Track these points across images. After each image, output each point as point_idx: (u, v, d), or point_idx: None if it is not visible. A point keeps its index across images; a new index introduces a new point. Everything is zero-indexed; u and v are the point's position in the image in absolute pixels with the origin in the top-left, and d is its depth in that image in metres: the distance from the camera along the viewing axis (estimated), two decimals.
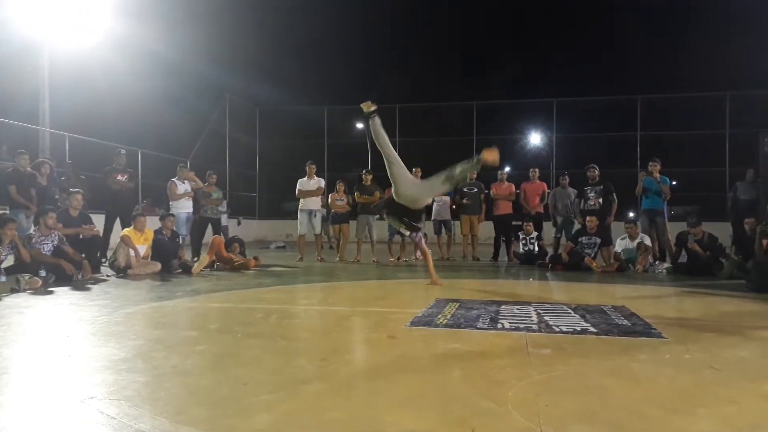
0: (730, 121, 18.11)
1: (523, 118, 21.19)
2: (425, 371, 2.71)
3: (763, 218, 7.29)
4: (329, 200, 10.16)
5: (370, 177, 10.22)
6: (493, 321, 3.92)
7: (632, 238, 8.46)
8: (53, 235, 6.71)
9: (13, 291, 5.45)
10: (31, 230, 7.07)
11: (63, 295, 5.42)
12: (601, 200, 8.99)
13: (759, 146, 9.83)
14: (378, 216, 10.65)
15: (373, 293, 5.67)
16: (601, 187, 9.08)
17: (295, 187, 9.90)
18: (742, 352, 3.15)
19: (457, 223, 10.46)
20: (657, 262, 8.34)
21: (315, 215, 9.83)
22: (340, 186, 10.14)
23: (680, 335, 3.55)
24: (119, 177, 8.94)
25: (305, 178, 9.88)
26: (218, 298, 5.32)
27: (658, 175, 8.85)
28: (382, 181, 10.93)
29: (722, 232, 9.02)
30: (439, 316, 4.12)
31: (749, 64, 21.73)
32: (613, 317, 4.10)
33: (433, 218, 10.36)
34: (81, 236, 7.31)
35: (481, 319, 3.97)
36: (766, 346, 3.34)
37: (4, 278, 5.89)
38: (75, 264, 6.53)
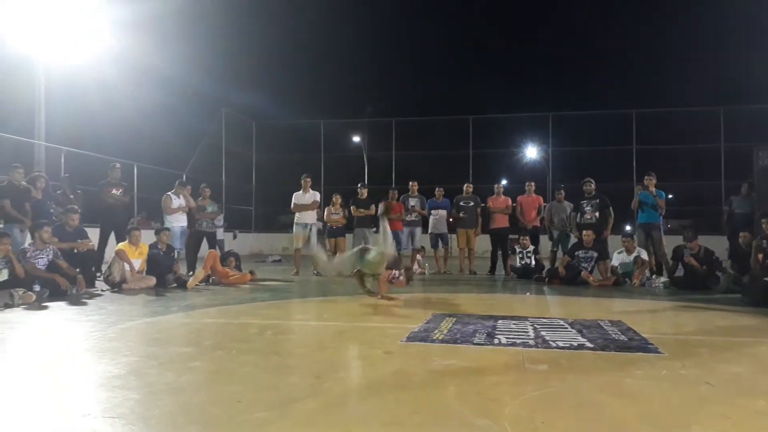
0: (724, 135, 18.22)
1: (518, 131, 21.30)
2: (420, 388, 2.69)
3: (758, 232, 7.30)
4: (325, 214, 10.16)
5: (365, 191, 10.23)
6: (490, 336, 3.91)
7: (629, 251, 8.47)
8: (48, 249, 6.69)
9: (7, 306, 5.41)
10: (26, 244, 7.03)
11: (57, 310, 5.39)
12: (597, 214, 9.01)
13: (753, 160, 9.87)
14: (375, 229, 10.68)
15: (370, 308, 5.65)
16: (598, 200, 9.10)
17: (291, 201, 9.90)
18: (737, 367, 3.15)
19: (454, 236, 10.46)
20: (654, 276, 8.34)
21: (311, 229, 9.82)
22: (337, 199, 10.14)
23: (676, 350, 3.55)
24: (114, 191, 8.91)
25: (300, 192, 9.88)
26: (213, 313, 5.29)
27: (654, 189, 8.88)
28: (378, 194, 10.98)
29: (718, 246, 9.03)
30: (436, 331, 4.10)
31: (743, 79, 21.94)
32: (610, 332, 4.09)
33: (429, 232, 10.36)
34: (76, 250, 7.28)
35: (477, 335, 3.96)
36: (761, 362, 3.33)
37: None
38: (70, 278, 6.50)
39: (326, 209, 10.15)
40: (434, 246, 10.37)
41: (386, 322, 4.85)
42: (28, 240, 7.41)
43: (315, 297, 6.76)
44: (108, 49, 14.51)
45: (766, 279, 5.90)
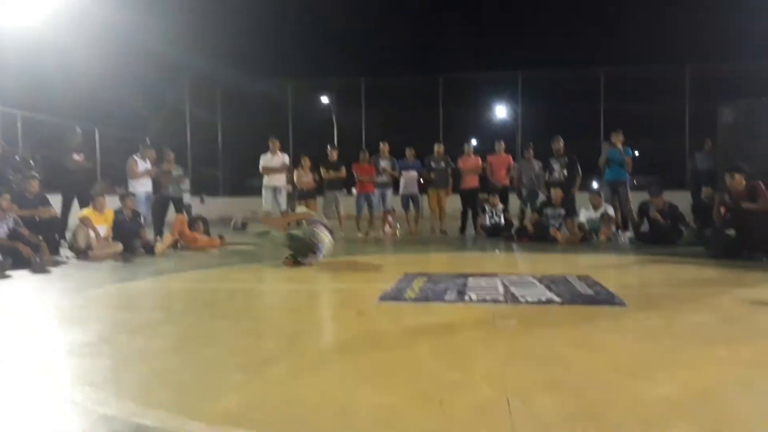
0: (690, 93, 18.50)
1: (488, 91, 21.22)
2: (394, 346, 2.72)
3: (720, 187, 7.48)
4: (295, 177, 10.04)
5: (335, 152, 10.12)
6: (461, 294, 3.95)
7: (596, 208, 8.62)
8: (8, 217, 6.48)
9: None
10: None
11: (21, 279, 5.26)
12: (565, 172, 9.10)
13: (717, 117, 10.05)
14: (346, 192, 10.61)
15: (342, 269, 5.66)
16: (566, 158, 9.18)
17: (258, 164, 9.75)
18: (700, 317, 3.26)
19: (425, 197, 10.48)
20: (620, 232, 8.53)
21: (280, 192, 9.71)
22: (306, 162, 10.01)
23: (642, 303, 3.65)
24: (75, 156, 8.63)
25: (268, 154, 9.72)
26: (182, 278, 5.23)
27: (621, 146, 8.99)
28: (348, 156, 10.88)
29: (682, 201, 9.24)
30: (408, 290, 4.13)
31: (709, 36, 22.13)
32: (578, 287, 4.18)
33: (401, 193, 10.35)
34: (38, 218, 7.08)
35: (448, 292, 4.00)
36: (723, 312, 3.45)
37: None
38: (32, 246, 6.32)
39: (295, 172, 10.03)
40: (405, 207, 10.38)
41: (358, 283, 4.87)
42: None
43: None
44: (64, 9, 13.84)
45: (727, 232, 6.07)
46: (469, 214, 10.14)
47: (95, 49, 19.36)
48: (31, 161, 8.71)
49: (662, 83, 19.43)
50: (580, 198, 9.44)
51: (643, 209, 8.05)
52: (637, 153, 10.45)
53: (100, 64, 20.08)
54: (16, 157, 8.75)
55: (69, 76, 18.76)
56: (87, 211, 7.26)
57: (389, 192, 10.24)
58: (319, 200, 10.02)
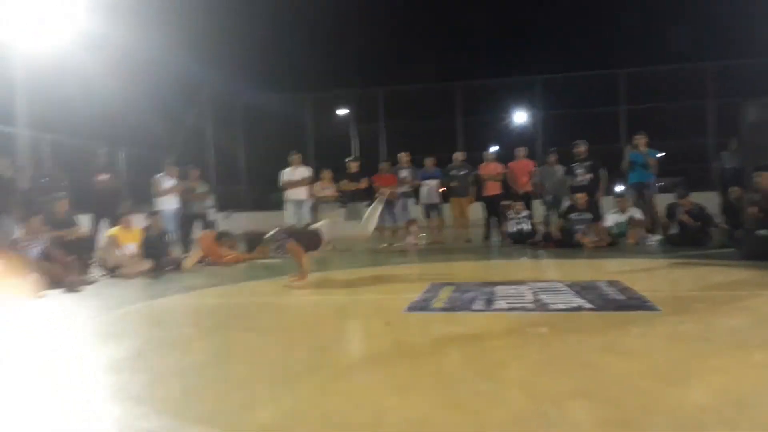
0: (713, 90, 18.23)
1: (507, 97, 21.15)
2: (424, 356, 2.72)
3: (749, 186, 7.35)
4: (316, 190, 10.11)
5: (356, 164, 10.17)
6: (489, 302, 3.94)
7: (623, 211, 8.52)
8: (40, 238, 6.63)
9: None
10: (16, 234, 6.98)
11: (55, 298, 5.36)
12: (589, 176, 9.03)
13: (741, 115, 9.90)
14: (368, 203, 10.64)
15: (367, 280, 5.67)
16: (590, 162, 9.11)
17: (281, 179, 9.87)
18: (734, 321, 3.20)
19: (447, 205, 10.46)
20: (648, 235, 8.42)
21: (303, 206, 9.79)
22: (326, 174, 10.08)
23: (674, 307, 3.59)
24: (101, 177, 8.83)
25: (289, 169, 9.83)
26: (212, 293, 5.30)
27: (645, 148, 8.89)
28: (368, 167, 10.92)
29: (709, 201, 9.09)
30: (435, 300, 4.13)
31: (730, 33, 21.81)
32: (608, 292, 4.14)
33: (421, 202, 10.35)
34: (68, 238, 7.23)
35: (476, 301, 3.99)
36: (757, 315, 3.39)
37: None
38: (64, 266, 6.46)
39: (316, 185, 10.11)
40: (427, 216, 10.38)
41: (384, 294, 4.88)
42: (18, 230, 7.35)
43: (312, 272, 6.76)
44: (85, 33, 14.19)
45: (759, 232, 5.95)
46: (493, 221, 10.10)
47: (118, 71, 19.79)
48: (63, 182, 8.93)
49: (684, 83, 19.17)
50: (606, 202, 9.34)
51: (671, 211, 7.94)
52: (661, 154, 10.27)
53: (123, 86, 20.50)
54: (45, 179, 8.97)
55: (93, 99, 19.19)
56: (115, 230, 7.41)
57: (410, 201, 10.26)
58: (341, 213, 10.07)
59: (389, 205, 9.96)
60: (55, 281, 6.14)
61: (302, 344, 3.13)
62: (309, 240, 5.74)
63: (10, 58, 12.17)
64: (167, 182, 9.08)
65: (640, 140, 8.93)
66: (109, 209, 8.67)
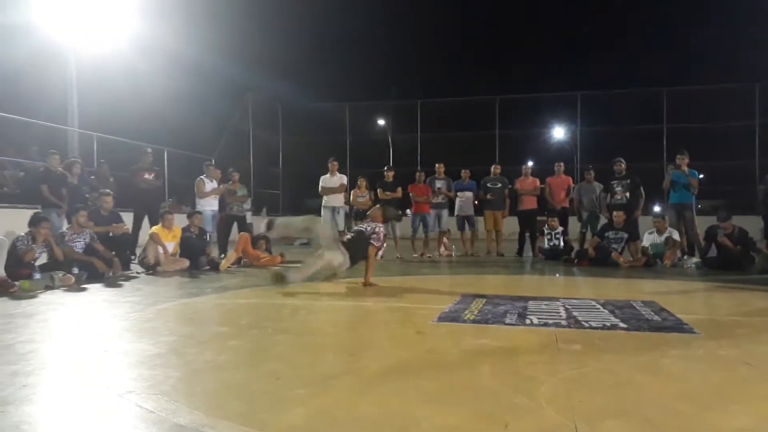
0: (760, 111, 17.70)
1: (546, 111, 20.97)
2: (455, 367, 2.72)
3: None
4: (351, 197, 10.18)
5: (392, 173, 10.22)
6: (521, 317, 3.91)
7: (660, 232, 8.34)
8: (85, 233, 6.86)
9: (48, 288, 5.59)
10: (64, 228, 7.23)
11: (95, 292, 5.54)
12: (628, 194, 8.87)
13: None
14: (401, 212, 10.66)
15: (398, 289, 5.68)
16: (628, 181, 8.95)
17: (318, 184, 9.96)
18: None
19: (481, 218, 10.42)
20: (686, 257, 8.22)
21: (338, 212, 9.87)
22: (362, 182, 10.15)
23: (712, 331, 3.50)
24: (146, 175, 9.09)
25: (327, 175, 9.93)
26: (246, 294, 5.39)
27: (686, 168, 8.70)
28: (404, 177, 10.95)
29: (752, 226, 8.84)
30: (466, 311, 4.12)
31: None
32: (643, 312, 4.06)
33: (456, 214, 10.33)
34: (111, 234, 7.46)
35: (508, 315, 3.96)
36: None
37: (38, 275, 6.04)
38: (106, 261, 6.67)
39: (352, 192, 10.18)
40: (461, 228, 10.34)
41: (416, 303, 4.88)
42: (65, 224, 7.62)
43: (343, 278, 6.81)
44: (135, 36, 14.69)
45: None
46: (527, 236, 10.01)
47: (166, 74, 20.37)
48: (110, 179, 9.22)
49: (730, 102, 18.69)
50: (644, 222, 9.16)
51: (711, 234, 7.73)
52: (701, 175, 10.00)
53: (169, 88, 21.08)
54: (93, 177, 9.28)
55: (141, 99, 19.79)
56: (156, 228, 7.61)
57: (445, 213, 10.24)
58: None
59: (422, 215, 9.97)
60: (96, 275, 6.35)
61: (334, 348, 3.16)
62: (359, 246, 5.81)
63: (66, 61, 12.67)
64: (209, 184, 9.28)
65: (683, 160, 8.74)
66: (151, 207, 8.92)
